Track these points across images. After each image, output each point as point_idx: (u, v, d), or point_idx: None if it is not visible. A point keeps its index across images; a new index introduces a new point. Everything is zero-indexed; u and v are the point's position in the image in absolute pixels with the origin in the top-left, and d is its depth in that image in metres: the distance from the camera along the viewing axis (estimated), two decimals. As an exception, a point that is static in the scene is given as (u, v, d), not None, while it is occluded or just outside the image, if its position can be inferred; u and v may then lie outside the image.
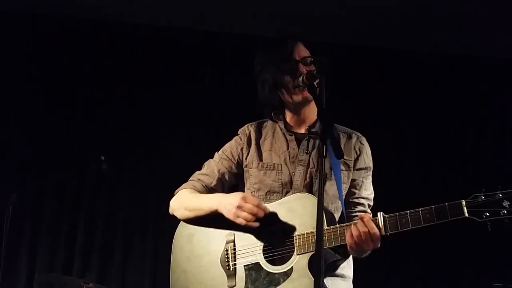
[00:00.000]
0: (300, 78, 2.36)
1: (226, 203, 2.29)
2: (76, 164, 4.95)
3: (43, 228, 4.92)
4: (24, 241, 4.87)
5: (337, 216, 2.36)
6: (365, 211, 2.42)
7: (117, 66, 5.24)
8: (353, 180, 2.45)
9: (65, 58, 5.22)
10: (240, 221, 2.24)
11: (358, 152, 2.49)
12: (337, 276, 2.36)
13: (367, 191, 2.49)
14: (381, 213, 2.15)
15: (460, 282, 4.89)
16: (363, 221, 2.13)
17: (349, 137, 2.52)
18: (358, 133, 2.57)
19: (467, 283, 4.89)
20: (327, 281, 2.27)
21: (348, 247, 2.18)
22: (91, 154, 4.62)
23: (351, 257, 2.43)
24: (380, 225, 2.11)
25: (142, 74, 5.24)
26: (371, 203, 2.50)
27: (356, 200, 2.45)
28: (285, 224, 2.29)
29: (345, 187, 2.42)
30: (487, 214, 1.97)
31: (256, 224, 2.23)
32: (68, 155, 5.00)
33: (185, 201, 2.50)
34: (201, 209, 2.42)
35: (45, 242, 4.88)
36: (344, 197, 2.40)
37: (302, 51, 2.47)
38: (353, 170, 2.46)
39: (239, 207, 2.24)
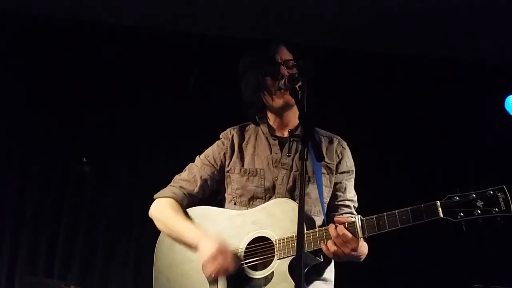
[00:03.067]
0: (282, 81, 2.37)
1: (204, 249, 2.31)
2: (57, 165, 4.92)
3: (24, 230, 4.87)
4: (4, 242, 4.82)
5: (319, 219, 2.37)
6: (351, 213, 2.45)
7: (103, 67, 5.20)
8: (337, 184, 2.48)
9: (52, 59, 5.17)
10: (207, 271, 2.29)
11: (340, 156, 2.52)
12: (318, 279, 2.37)
13: (351, 194, 2.52)
14: (359, 216, 2.18)
15: (441, 283, 4.93)
16: (335, 226, 2.16)
17: (331, 141, 2.54)
18: (339, 137, 2.60)
19: (448, 284, 4.94)
20: (308, 285, 2.29)
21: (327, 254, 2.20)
22: (73, 155, 4.59)
23: (333, 260, 2.43)
24: (358, 228, 2.14)
25: (128, 75, 5.20)
26: (356, 205, 2.52)
27: (341, 203, 2.47)
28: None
29: (327, 190, 2.44)
30: (462, 214, 2.00)
31: (220, 279, 2.28)
32: (50, 157, 4.97)
33: (166, 219, 2.50)
34: (181, 238, 2.44)
35: (26, 244, 4.84)
36: (326, 200, 2.43)
37: (285, 54, 2.49)
38: (336, 174, 2.48)
39: (212, 258, 2.28)
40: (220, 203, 2.57)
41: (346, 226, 2.14)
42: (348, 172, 2.52)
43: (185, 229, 2.44)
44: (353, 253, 2.17)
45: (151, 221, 2.63)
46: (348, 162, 2.54)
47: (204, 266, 2.30)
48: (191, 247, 2.40)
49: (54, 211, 4.94)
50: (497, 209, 1.97)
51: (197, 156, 2.64)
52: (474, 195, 2.01)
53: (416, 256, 4.96)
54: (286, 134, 2.53)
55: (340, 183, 2.48)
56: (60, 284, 4.11)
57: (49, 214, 4.93)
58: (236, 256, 2.31)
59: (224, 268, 2.26)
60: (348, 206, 2.48)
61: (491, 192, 1.99)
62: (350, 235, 2.12)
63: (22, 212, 4.91)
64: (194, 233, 2.40)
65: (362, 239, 2.17)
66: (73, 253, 4.86)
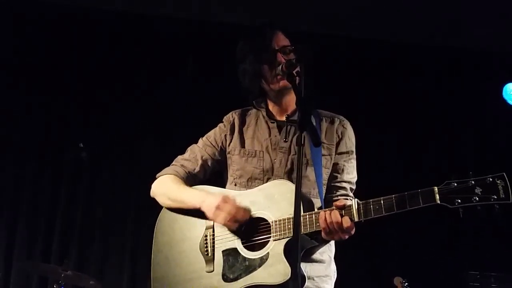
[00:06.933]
0: (279, 67, 2.37)
1: (209, 203, 2.35)
2: (55, 151, 4.93)
3: (22, 215, 4.89)
4: (1, 228, 4.84)
5: (318, 201, 2.36)
6: (347, 195, 2.44)
7: (98, 54, 5.20)
8: (335, 164, 2.47)
9: (45, 46, 5.17)
10: (219, 221, 2.32)
11: (340, 136, 2.50)
12: (315, 261, 2.38)
13: (350, 175, 2.49)
14: (356, 199, 2.17)
15: (436, 270, 4.97)
16: (330, 212, 2.16)
17: (332, 122, 2.53)
18: (341, 117, 2.58)
19: (443, 271, 4.98)
20: (305, 266, 2.29)
21: (322, 234, 2.21)
22: (70, 141, 4.60)
23: (332, 241, 2.44)
24: (354, 212, 2.13)
25: (123, 62, 5.21)
26: (354, 187, 2.51)
27: (338, 184, 2.46)
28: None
29: (327, 172, 2.44)
30: (459, 201, 1.96)
31: (235, 226, 2.31)
32: (47, 142, 4.98)
33: (168, 190, 2.52)
34: (184, 203, 2.46)
35: (24, 229, 4.86)
36: (326, 181, 2.43)
37: (281, 40, 2.48)
38: (335, 154, 2.47)
39: (218, 208, 2.31)
40: (223, 186, 2.57)
41: (343, 213, 2.14)
42: (347, 153, 2.50)
43: (187, 195, 2.47)
44: (346, 236, 2.18)
45: (148, 205, 2.65)
46: (348, 143, 2.51)
47: (215, 219, 2.34)
48: (198, 213, 2.41)
49: (51, 196, 4.96)
50: (495, 197, 1.92)
51: (200, 138, 2.67)
52: (473, 182, 1.96)
53: (411, 243, 5.00)
54: (285, 118, 2.53)
55: (338, 164, 2.47)
56: (57, 269, 4.15)
57: (46, 200, 4.96)
58: (243, 207, 2.33)
59: (232, 215, 2.29)
60: (343, 188, 2.46)
61: (491, 179, 1.94)
62: (341, 223, 2.13)
63: (19, 197, 4.93)
64: (197, 195, 2.44)
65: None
66: (70, 238, 4.90)
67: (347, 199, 2.28)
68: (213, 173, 2.62)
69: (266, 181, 2.42)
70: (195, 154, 2.60)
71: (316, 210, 2.26)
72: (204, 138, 2.65)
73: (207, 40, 5.23)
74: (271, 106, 2.58)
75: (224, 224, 2.32)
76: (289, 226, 2.19)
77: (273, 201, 2.31)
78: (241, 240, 2.33)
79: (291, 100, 2.51)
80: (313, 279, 2.35)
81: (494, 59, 5.35)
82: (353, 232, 2.19)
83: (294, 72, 2.29)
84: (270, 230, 2.27)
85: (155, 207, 2.60)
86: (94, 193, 5.02)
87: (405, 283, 4.17)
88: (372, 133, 4.90)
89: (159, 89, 5.19)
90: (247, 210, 2.32)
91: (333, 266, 2.48)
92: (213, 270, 2.33)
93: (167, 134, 5.00)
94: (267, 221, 2.30)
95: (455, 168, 2.09)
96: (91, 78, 5.17)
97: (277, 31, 2.49)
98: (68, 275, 4.11)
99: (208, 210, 2.36)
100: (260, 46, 2.45)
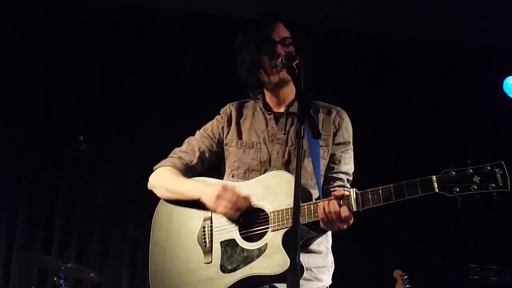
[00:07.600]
0: (279, 59, 2.37)
1: (208, 193, 2.34)
2: (55, 144, 4.93)
3: (22, 208, 4.90)
4: (2, 221, 4.85)
5: (316, 192, 2.37)
6: (344, 186, 2.43)
7: (97, 47, 5.20)
8: (332, 155, 2.46)
9: (44, 40, 5.16)
10: (220, 210, 2.30)
11: (337, 127, 2.50)
12: (312, 252, 2.39)
13: (347, 166, 2.49)
14: (354, 189, 2.16)
15: (436, 263, 4.99)
16: (328, 202, 2.16)
17: (329, 113, 2.53)
18: (339, 108, 2.57)
19: (443, 264, 4.99)
20: (303, 257, 2.28)
21: (320, 224, 2.21)
22: (70, 134, 4.61)
23: (329, 232, 2.44)
24: (352, 201, 2.13)
25: (123, 55, 5.21)
26: (351, 178, 2.50)
27: (335, 175, 2.45)
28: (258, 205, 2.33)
29: (324, 163, 2.44)
30: (457, 189, 1.96)
31: (236, 214, 2.29)
32: (47, 135, 4.98)
33: (166, 182, 2.51)
34: (183, 194, 2.45)
35: (24, 222, 4.87)
36: (323, 172, 2.43)
37: (282, 32, 2.47)
38: (332, 145, 2.47)
39: (218, 197, 2.30)
40: (221, 178, 2.55)
41: (341, 203, 2.14)
42: (344, 143, 2.49)
43: (186, 186, 2.45)
44: (345, 226, 2.18)
45: (148, 198, 2.65)
46: (345, 134, 2.51)
47: (215, 209, 2.32)
48: (196, 204, 2.40)
49: (51, 189, 4.98)
50: (494, 185, 1.92)
51: (197, 130, 2.66)
52: (471, 170, 1.96)
53: (410, 236, 5.01)
54: (282, 109, 2.53)
55: (335, 155, 2.46)
56: (58, 261, 4.16)
57: (46, 192, 4.97)
58: (243, 194, 2.32)
59: (233, 203, 2.28)
60: (340, 179, 2.45)
61: (489, 168, 1.94)
62: (340, 213, 2.13)
63: (20, 190, 4.94)
64: (196, 186, 2.43)
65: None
66: (70, 231, 4.91)
67: (345, 190, 2.27)
68: (211, 166, 2.61)
69: (264, 173, 2.42)
70: (192, 146, 2.59)
71: (314, 200, 2.25)
72: (201, 130, 2.64)
73: (207, 34, 5.22)
74: (268, 98, 2.58)
75: (225, 213, 2.29)
76: (288, 216, 2.19)
77: (271, 191, 2.30)
78: (239, 231, 2.32)
79: (288, 92, 2.51)
80: (311, 270, 2.35)
81: (494, 52, 5.34)
82: (351, 222, 2.19)
83: (294, 64, 2.29)
84: (268, 220, 2.26)
85: (155, 200, 2.59)
86: (94, 186, 5.02)
87: (404, 275, 4.18)
88: (372, 129, 4.91)
89: (159, 85, 5.18)
90: (247, 198, 2.32)
91: (331, 257, 2.48)
92: (211, 262, 2.33)
93: (167, 128, 5.00)
94: (265, 212, 2.29)
95: (455, 160, 2.08)
96: (92, 71, 5.16)
97: (277, 22, 2.48)
98: (68, 267, 4.13)
99: (208, 200, 2.34)
100: (260, 37, 2.44)
